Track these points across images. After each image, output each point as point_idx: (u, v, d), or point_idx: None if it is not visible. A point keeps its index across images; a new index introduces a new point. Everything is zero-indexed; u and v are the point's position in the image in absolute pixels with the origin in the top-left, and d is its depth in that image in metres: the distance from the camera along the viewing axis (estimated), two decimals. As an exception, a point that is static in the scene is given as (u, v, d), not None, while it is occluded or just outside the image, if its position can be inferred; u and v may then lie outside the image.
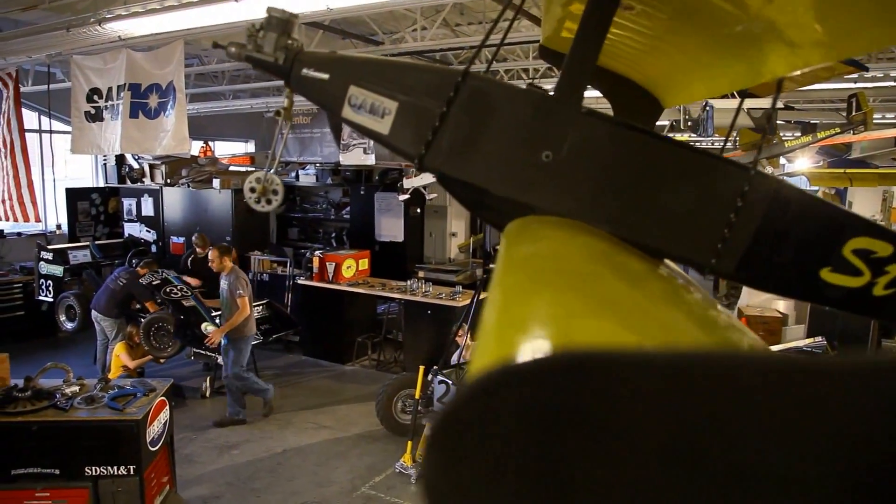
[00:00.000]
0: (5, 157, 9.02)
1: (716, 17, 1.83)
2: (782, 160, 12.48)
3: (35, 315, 9.88)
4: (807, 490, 0.44)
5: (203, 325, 7.33)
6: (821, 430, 0.44)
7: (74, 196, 11.53)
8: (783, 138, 10.27)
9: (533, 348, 0.76)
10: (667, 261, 1.97)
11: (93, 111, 7.85)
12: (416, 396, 6.16)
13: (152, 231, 11.21)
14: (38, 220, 9.45)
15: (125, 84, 7.38)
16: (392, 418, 6.69)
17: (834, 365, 0.47)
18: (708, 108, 7.97)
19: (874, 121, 10.34)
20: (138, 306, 7.93)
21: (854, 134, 9.85)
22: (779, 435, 0.44)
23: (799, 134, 10.48)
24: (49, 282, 9.44)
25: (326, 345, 9.32)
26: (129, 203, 11.55)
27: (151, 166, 11.37)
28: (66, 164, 12.20)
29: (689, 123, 8.52)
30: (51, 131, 10.83)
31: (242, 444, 6.61)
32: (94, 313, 7.89)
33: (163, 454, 4.71)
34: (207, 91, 12.24)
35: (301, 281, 9.53)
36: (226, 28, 5.75)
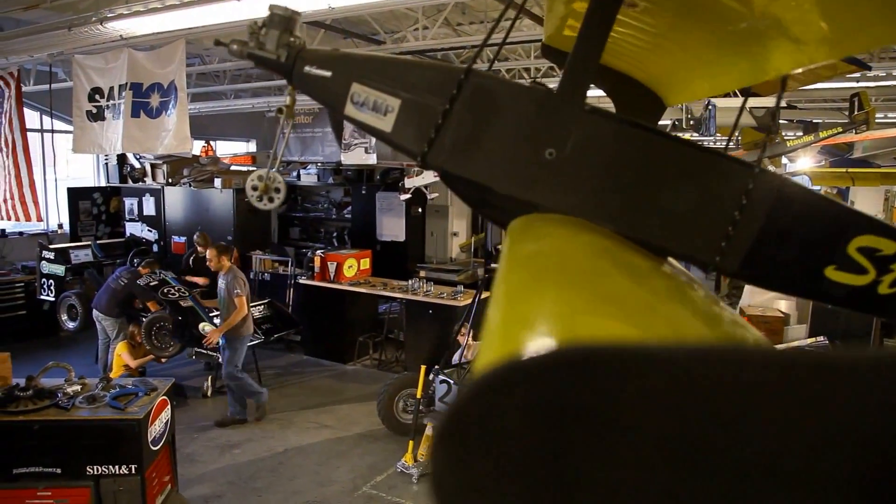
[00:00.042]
0: (7, 157, 9.02)
1: (720, 14, 1.82)
2: (784, 160, 12.46)
3: (37, 314, 9.89)
4: (814, 486, 0.43)
5: (201, 325, 7.33)
6: (829, 426, 0.43)
7: (76, 195, 11.54)
8: (785, 138, 10.26)
9: (538, 345, 0.75)
10: (670, 259, 1.96)
11: (94, 110, 7.86)
12: (418, 396, 6.16)
13: (154, 230, 11.22)
14: (39, 219, 9.45)
15: (127, 83, 7.39)
16: (393, 418, 6.69)
17: (840, 360, 0.46)
18: (710, 107, 7.97)
19: (876, 120, 10.32)
20: (140, 306, 7.94)
21: (856, 133, 9.84)
22: (787, 430, 0.44)
23: (801, 133, 10.47)
24: (51, 281, 9.45)
25: (328, 344, 9.32)
26: (130, 202, 11.55)
27: (153, 166, 11.37)
28: (67, 163, 12.21)
29: (692, 122, 8.50)
30: (52, 131, 10.84)
31: (244, 443, 6.60)
32: (95, 313, 7.90)
33: (164, 453, 4.71)
34: (209, 90, 12.24)
35: (302, 280, 9.53)
36: (227, 27, 5.75)
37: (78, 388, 4.55)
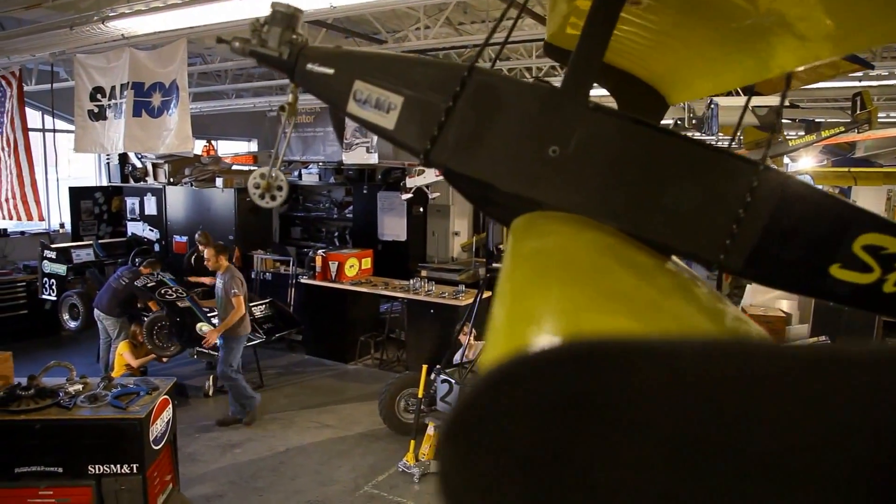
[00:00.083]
0: (9, 156, 9.02)
1: (724, 11, 1.81)
2: (786, 159, 12.45)
3: (38, 314, 9.89)
4: (819, 481, 0.43)
5: (198, 326, 7.32)
6: (840, 420, 0.43)
7: (78, 195, 11.54)
8: (787, 137, 10.24)
9: (544, 340, 0.75)
10: (673, 257, 1.96)
11: (96, 110, 7.86)
12: (419, 395, 6.16)
13: (155, 230, 11.23)
14: (41, 218, 9.46)
15: (128, 83, 7.38)
16: (395, 417, 6.68)
17: (845, 354, 0.46)
18: (713, 106, 7.95)
19: (879, 119, 10.30)
20: (141, 305, 7.94)
21: (858, 133, 9.82)
22: (793, 424, 0.43)
23: (803, 133, 10.45)
24: (52, 280, 9.45)
25: (329, 344, 9.32)
26: (132, 202, 11.56)
27: (154, 165, 11.38)
28: (69, 163, 12.21)
29: (694, 121, 8.49)
30: (54, 130, 10.84)
31: (245, 442, 6.60)
32: (96, 312, 7.91)
33: (166, 453, 4.70)
34: (210, 90, 12.24)
35: (304, 280, 9.54)
36: (229, 26, 5.74)
37: (79, 387, 4.55)
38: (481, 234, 11.69)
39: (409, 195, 9.17)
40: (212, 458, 6.24)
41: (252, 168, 12.17)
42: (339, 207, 12.18)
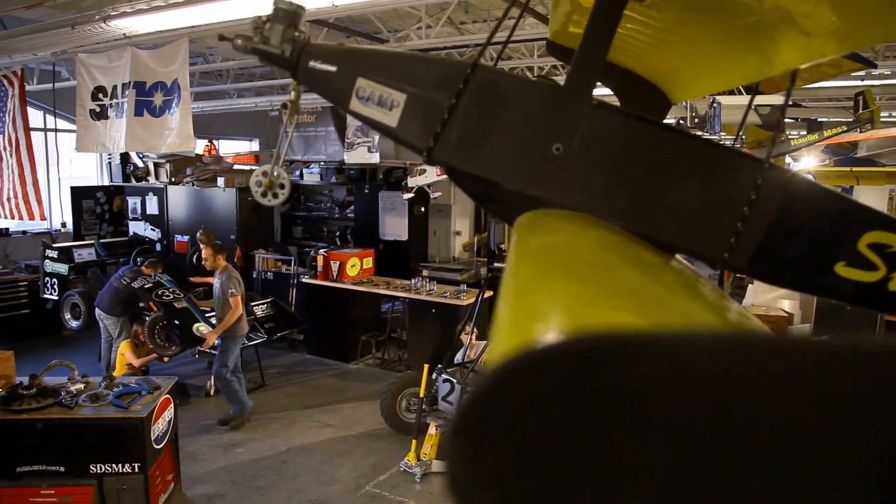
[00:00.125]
0: (11, 156, 9.03)
1: (729, 8, 1.81)
2: (788, 158, 12.42)
3: (40, 313, 9.89)
4: (832, 474, 0.42)
5: (195, 327, 7.31)
6: (851, 414, 0.43)
7: (79, 194, 11.55)
8: (789, 137, 10.22)
9: (552, 335, 0.74)
10: (677, 255, 1.95)
11: (98, 109, 7.86)
12: (421, 395, 6.15)
13: (157, 229, 11.23)
14: (43, 218, 9.46)
15: (130, 82, 7.39)
16: (396, 417, 6.68)
17: (863, 347, 0.45)
18: (715, 104, 7.93)
19: (881, 119, 10.28)
20: (143, 305, 7.94)
21: (861, 132, 9.80)
22: (808, 419, 0.43)
23: (805, 132, 10.43)
24: (54, 280, 9.46)
25: (331, 343, 9.32)
26: (133, 201, 11.57)
27: (156, 165, 11.39)
28: (71, 162, 12.21)
29: (696, 120, 8.47)
30: (56, 130, 10.82)
31: (247, 442, 6.60)
32: (97, 311, 7.91)
33: (167, 452, 4.70)
34: (212, 89, 12.23)
35: (305, 279, 9.53)
36: (231, 25, 5.74)
37: (81, 386, 4.55)
38: (483, 234, 11.68)
39: (411, 195, 9.15)
40: (213, 458, 6.24)
41: (253, 167, 12.17)
42: (340, 207, 12.18)
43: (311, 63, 2.02)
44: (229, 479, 5.84)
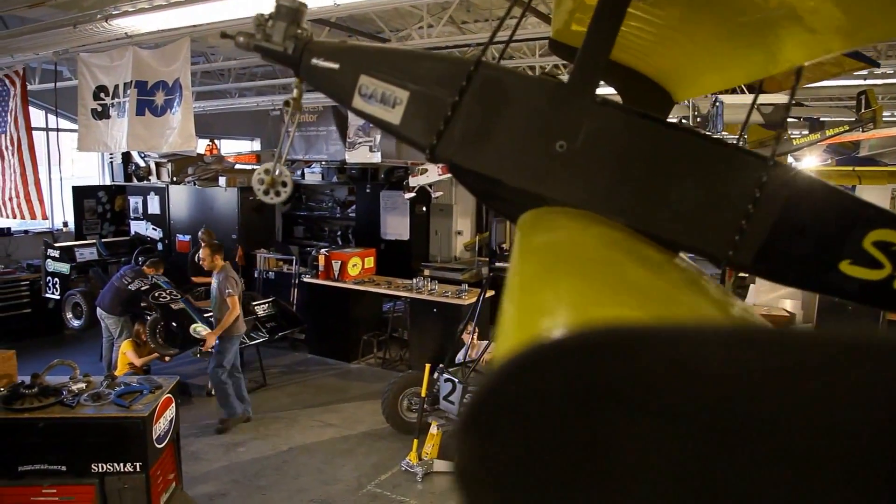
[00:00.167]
0: (12, 155, 9.03)
1: (733, 6, 1.80)
2: (789, 158, 12.39)
3: (42, 312, 9.91)
4: (841, 468, 0.42)
5: (192, 328, 7.30)
6: (860, 408, 0.42)
7: (81, 194, 11.56)
8: (791, 136, 10.20)
9: (559, 330, 0.73)
10: (681, 253, 1.94)
11: (99, 109, 7.86)
12: (422, 395, 6.14)
13: (158, 229, 11.23)
14: (44, 217, 9.46)
15: (132, 81, 7.38)
16: (398, 416, 6.67)
17: (871, 341, 0.45)
18: (718, 103, 7.91)
19: (883, 118, 10.26)
20: (143, 304, 7.93)
21: (863, 132, 9.78)
22: (818, 413, 0.42)
23: (807, 131, 10.40)
24: (56, 279, 9.47)
25: (332, 343, 9.31)
26: (135, 201, 11.57)
27: (158, 164, 11.39)
28: (72, 162, 12.21)
29: (699, 119, 8.45)
30: (58, 129, 10.85)
31: (248, 441, 6.60)
32: (98, 311, 7.91)
33: (169, 451, 4.70)
34: (214, 89, 12.24)
35: (307, 279, 9.53)
36: (232, 24, 5.73)
37: (83, 385, 4.54)
38: (484, 234, 11.67)
39: (412, 194, 9.14)
40: (215, 457, 6.24)
41: (255, 167, 12.18)
42: (342, 206, 12.17)
43: (314, 60, 2.01)
44: (231, 478, 5.84)
